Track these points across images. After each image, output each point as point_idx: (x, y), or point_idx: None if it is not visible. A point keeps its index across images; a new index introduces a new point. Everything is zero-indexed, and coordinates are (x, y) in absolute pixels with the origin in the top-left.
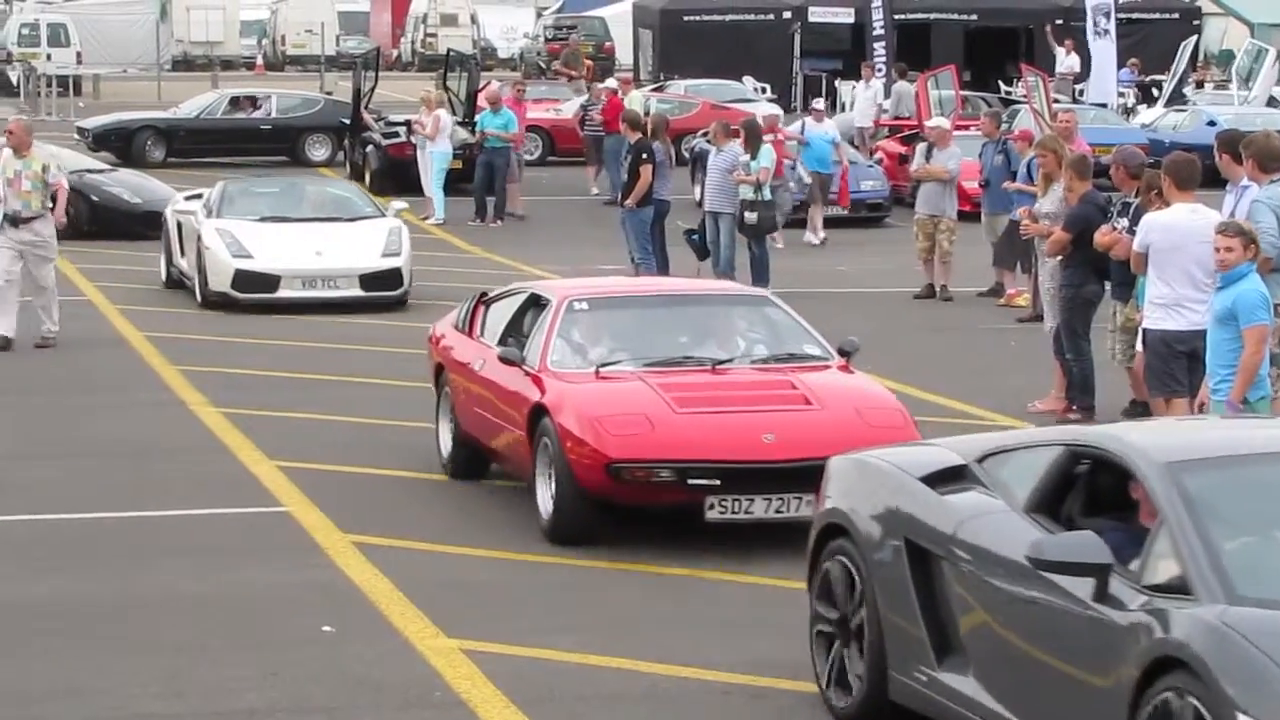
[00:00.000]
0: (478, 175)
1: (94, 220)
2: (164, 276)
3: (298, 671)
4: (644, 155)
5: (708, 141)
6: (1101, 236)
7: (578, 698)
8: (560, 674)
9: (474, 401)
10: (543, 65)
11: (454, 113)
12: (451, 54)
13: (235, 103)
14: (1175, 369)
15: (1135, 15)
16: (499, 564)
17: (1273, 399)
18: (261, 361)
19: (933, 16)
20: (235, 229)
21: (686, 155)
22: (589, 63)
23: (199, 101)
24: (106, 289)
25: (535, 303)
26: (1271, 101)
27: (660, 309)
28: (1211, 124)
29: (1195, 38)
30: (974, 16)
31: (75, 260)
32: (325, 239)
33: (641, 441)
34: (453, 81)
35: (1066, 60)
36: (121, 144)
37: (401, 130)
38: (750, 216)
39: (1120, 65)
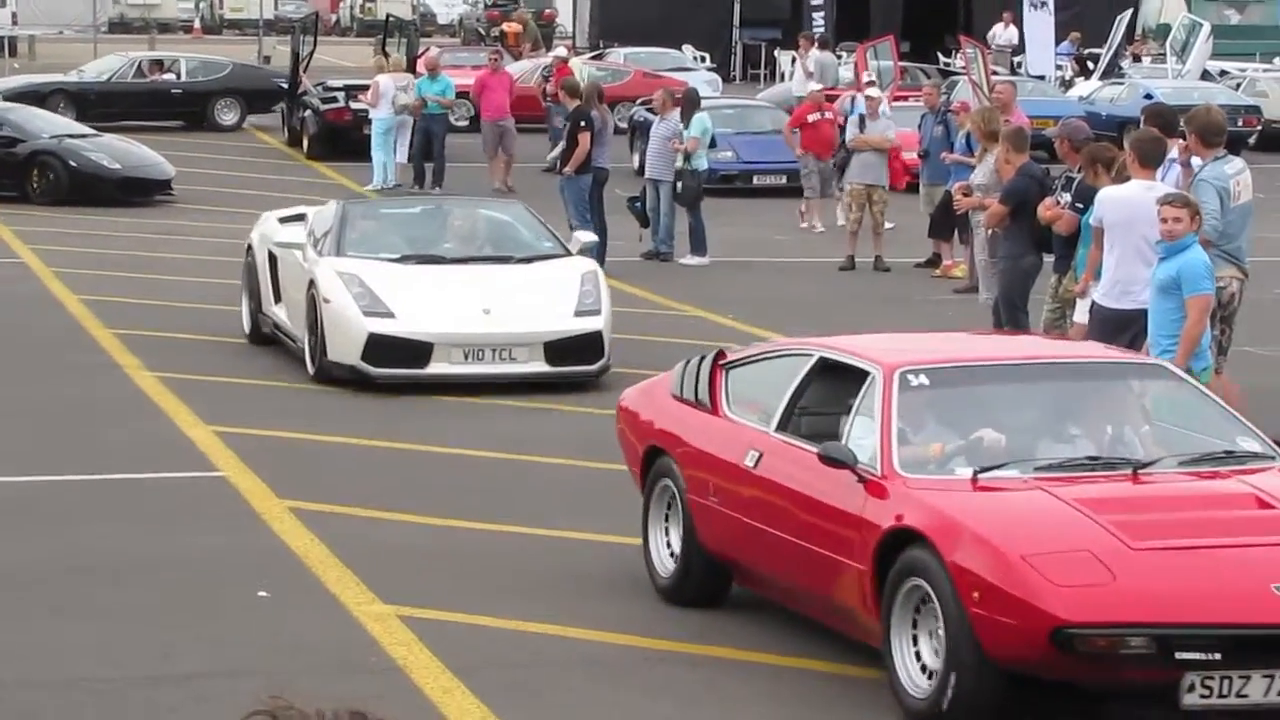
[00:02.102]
0: (416, 141)
1: (72, 186)
2: (247, 327)
3: (234, 636)
4: (581, 123)
5: (648, 110)
6: (1045, 210)
7: (514, 664)
8: (497, 640)
9: (744, 510)
10: (481, 31)
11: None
12: (390, 20)
13: (145, 66)
14: (1118, 342)
15: None
16: (437, 530)
17: (1213, 369)
18: (192, 324)
19: None
20: (365, 273)
21: (623, 125)
22: (530, 38)
23: (106, 64)
24: (128, 339)
25: (831, 372)
26: (1206, 75)
27: (1029, 382)
28: (1148, 97)
29: (1131, 11)
30: None
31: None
32: (494, 289)
33: (1102, 595)
34: (391, 47)
35: (1005, 33)
36: (34, 106)
37: (340, 95)
38: (677, 186)
39: (1059, 39)
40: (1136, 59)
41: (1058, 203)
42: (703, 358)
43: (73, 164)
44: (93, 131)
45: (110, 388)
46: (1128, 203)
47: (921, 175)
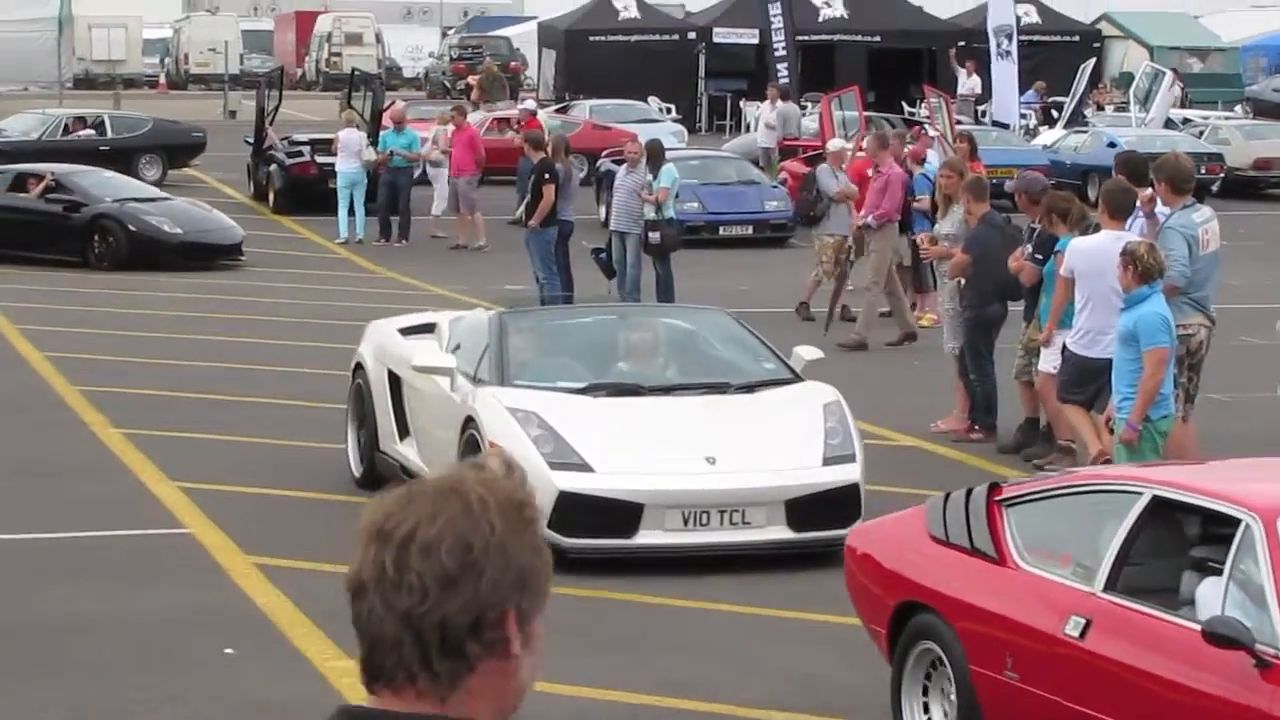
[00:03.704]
0: (381, 195)
1: (132, 251)
2: (358, 468)
3: (199, 693)
4: (546, 175)
5: (614, 162)
6: (1013, 262)
7: None
8: None
9: (1066, 693)
10: (448, 85)
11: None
12: (356, 73)
13: (69, 123)
14: (1086, 387)
15: (1037, 38)
16: None
17: (1176, 417)
18: (160, 381)
19: (836, 37)
20: (546, 410)
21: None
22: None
23: (26, 121)
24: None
25: (1171, 516)
26: (1169, 123)
27: None
28: (1112, 145)
29: (1094, 60)
30: (877, 38)
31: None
32: (715, 431)
33: None
34: (357, 101)
35: (969, 82)
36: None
37: (305, 149)
38: (653, 236)
39: (1024, 87)
40: (1100, 107)
41: (1022, 254)
42: (970, 491)
43: (132, 228)
44: (162, 195)
45: (76, 445)
46: (1097, 252)
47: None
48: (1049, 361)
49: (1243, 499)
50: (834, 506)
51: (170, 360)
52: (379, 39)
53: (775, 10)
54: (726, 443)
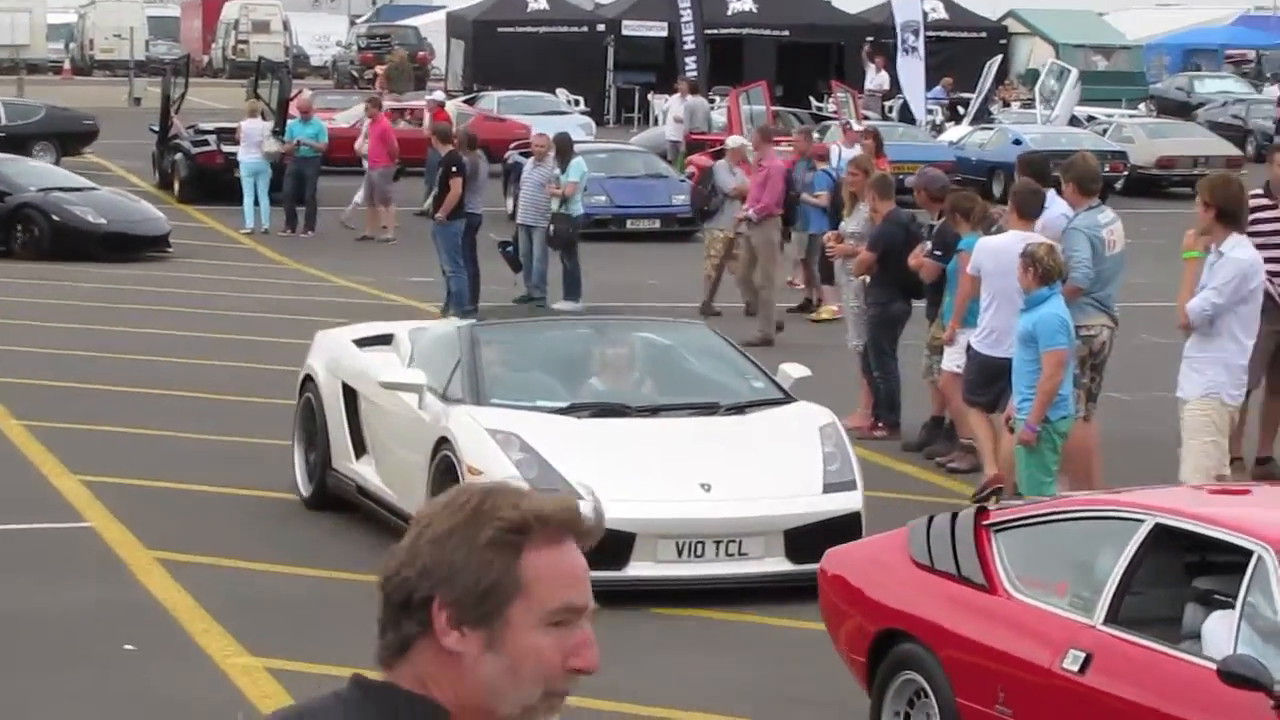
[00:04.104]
0: (287, 185)
1: (55, 241)
2: (305, 488)
3: (97, 691)
4: (454, 168)
5: (521, 154)
6: (913, 259)
7: None
8: None
9: None
10: (355, 74)
11: (265, 120)
12: (262, 62)
13: None
14: (991, 386)
15: (944, 34)
16: (305, 580)
17: (1076, 417)
18: (69, 373)
19: (745, 31)
20: (527, 431)
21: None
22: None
23: None
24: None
25: (1176, 545)
26: (1074, 121)
27: None
28: (1017, 142)
29: (1000, 57)
30: (786, 32)
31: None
32: (708, 455)
33: None
34: (264, 90)
35: (876, 77)
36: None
37: (211, 138)
38: (551, 230)
39: (931, 83)
40: (1006, 104)
41: (922, 251)
42: (955, 515)
43: (55, 218)
44: (89, 185)
45: None
46: (1004, 252)
47: (809, 224)
48: (953, 360)
49: (1254, 529)
50: (834, 536)
51: (80, 352)
52: (286, 26)
53: (684, 4)
54: (721, 468)
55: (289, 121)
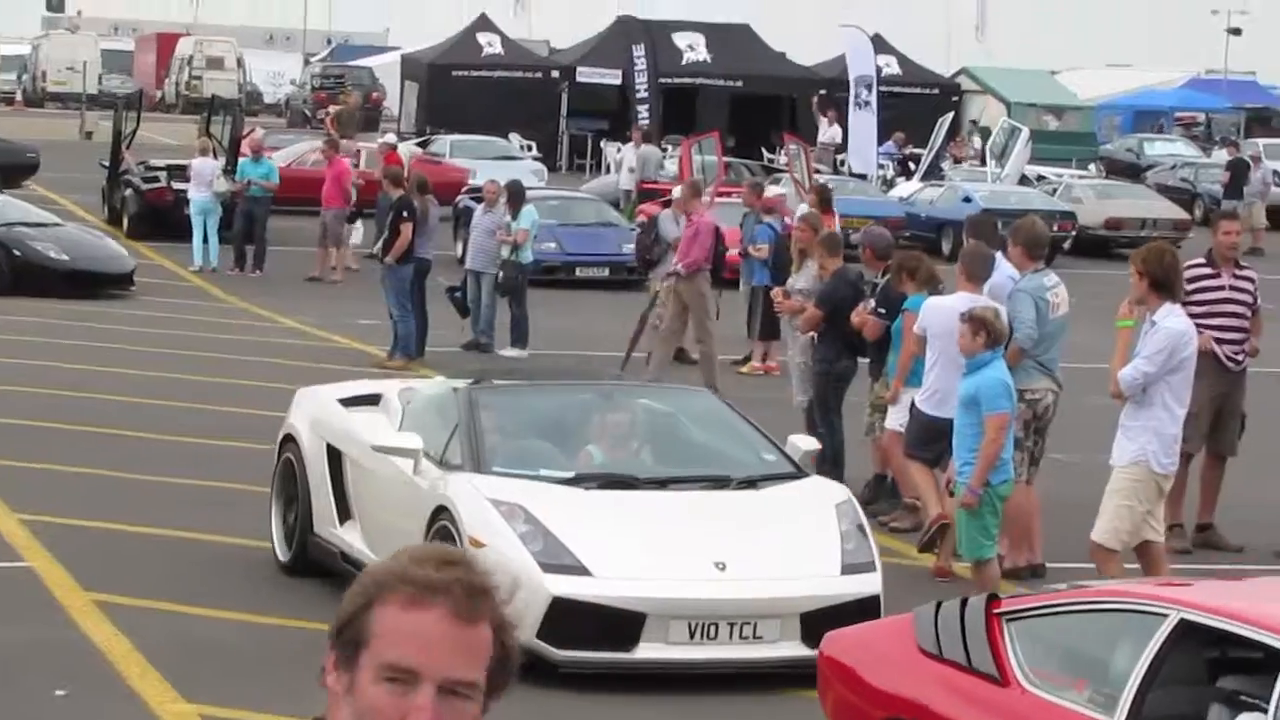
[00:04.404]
0: (237, 224)
1: (15, 277)
2: (284, 552)
3: None
4: (404, 213)
5: (473, 199)
6: (855, 317)
7: None
8: None
9: None
10: (308, 113)
11: (216, 158)
12: (215, 99)
13: None
14: (933, 445)
15: (897, 89)
16: (243, 627)
17: (1016, 481)
18: (13, 409)
19: (698, 81)
20: (532, 503)
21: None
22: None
23: None
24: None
25: (1201, 642)
26: (1024, 180)
27: None
28: (967, 200)
29: (952, 114)
30: (739, 83)
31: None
32: (722, 532)
33: None
34: (216, 127)
35: (829, 131)
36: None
37: (162, 175)
38: (499, 276)
39: (883, 138)
40: (957, 161)
41: (865, 309)
42: (965, 601)
43: (17, 254)
44: (54, 220)
45: None
46: (951, 313)
47: (742, 273)
48: (896, 419)
49: None
50: (852, 620)
51: (27, 388)
52: (240, 64)
53: (639, 52)
54: (736, 546)
55: (240, 160)
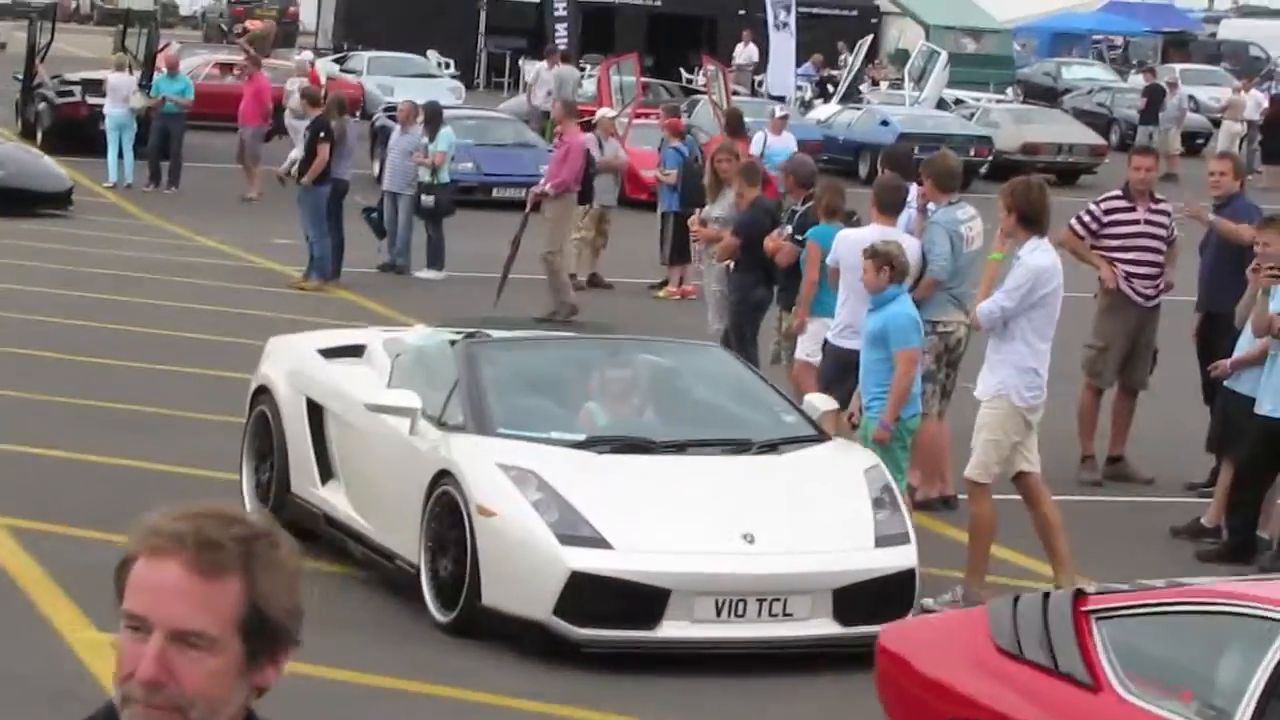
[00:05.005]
0: (152, 140)
1: None
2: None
3: None
4: (321, 133)
5: (390, 118)
6: (769, 242)
7: None
8: None
9: None
10: (224, 27)
11: (131, 73)
12: (130, 13)
13: None
14: (846, 380)
15: (816, 10)
16: None
17: (928, 414)
18: None
19: (617, 1)
20: (544, 468)
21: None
22: (268, 27)
23: None
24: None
25: None
26: (942, 104)
27: None
28: (885, 123)
29: (871, 36)
30: (658, 3)
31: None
32: (747, 500)
33: None
34: (131, 40)
35: (745, 51)
36: None
37: (76, 89)
38: (427, 200)
39: (801, 60)
40: (875, 84)
41: (780, 235)
42: (1047, 596)
43: None
44: None
45: None
46: (860, 245)
47: (660, 201)
48: (803, 349)
49: None
50: (886, 596)
51: None
52: None
53: None
54: (764, 516)
55: (155, 76)
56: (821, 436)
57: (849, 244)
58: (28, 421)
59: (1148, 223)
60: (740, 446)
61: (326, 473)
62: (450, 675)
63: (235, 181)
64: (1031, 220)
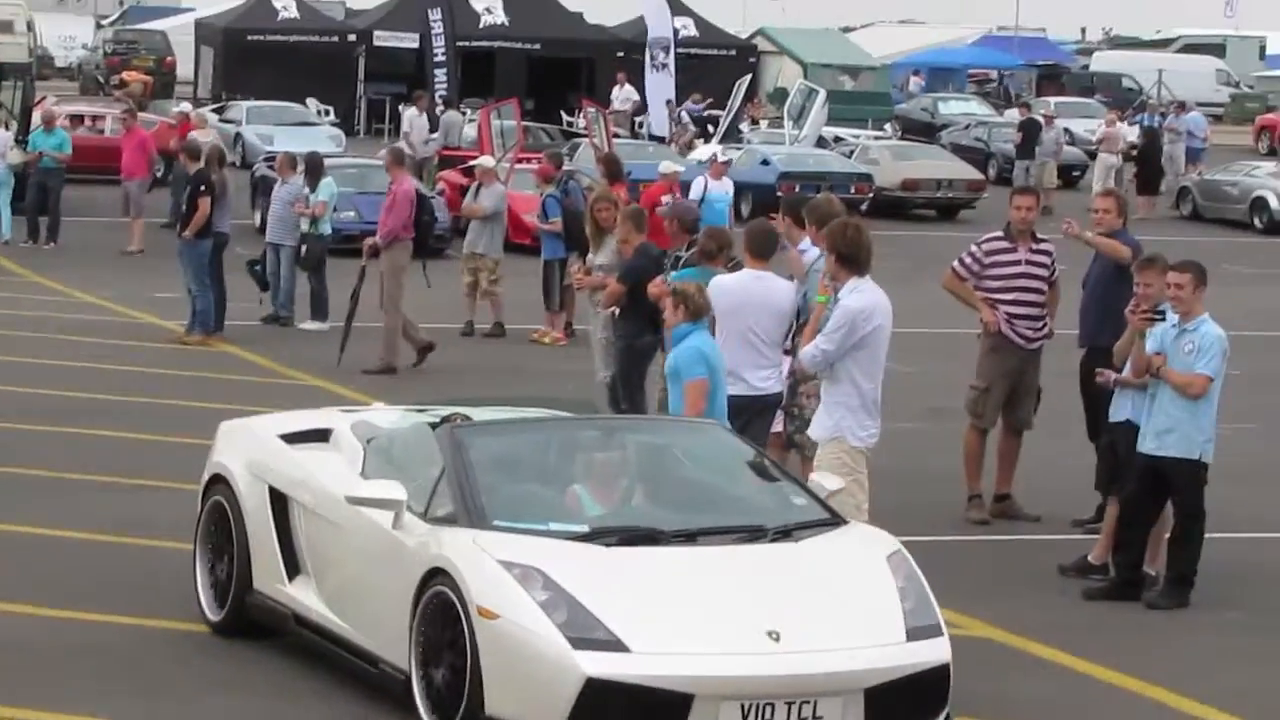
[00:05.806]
0: (30, 196)
1: None
2: (214, 611)
3: None
4: (202, 187)
5: (270, 168)
6: (652, 288)
7: None
8: None
9: None
10: (100, 79)
11: (7, 129)
12: (5, 66)
13: None
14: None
15: (695, 51)
16: (49, 622)
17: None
18: None
19: (496, 44)
20: (550, 565)
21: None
22: (145, 80)
23: None
24: None
25: None
26: (821, 141)
27: None
28: (765, 163)
29: (750, 76)
30: (537, 46)
31: None
32: (770, 594)
33: None
34: (5, 94)
35: (621, 93)
36: None
37: None
38: (303, 250)
39: (680, 100)
40: (755, 122)
41: (664, 281)
42: None
43: None
44: None
45: None
46: (737, 290)
47: (543, 249)
48: None
49: None
50: (920, 694)
51: None
52: (30, 28)
53: (435, 15)
54: (787, 611)
55: (32, 132)
56: (836, 520)
57: (722, 290)
58: None
59: (1029, 263)
60: (754, 534)
61: (294, 568)
62: None
63: (116, 235)
64: (850, 260)
